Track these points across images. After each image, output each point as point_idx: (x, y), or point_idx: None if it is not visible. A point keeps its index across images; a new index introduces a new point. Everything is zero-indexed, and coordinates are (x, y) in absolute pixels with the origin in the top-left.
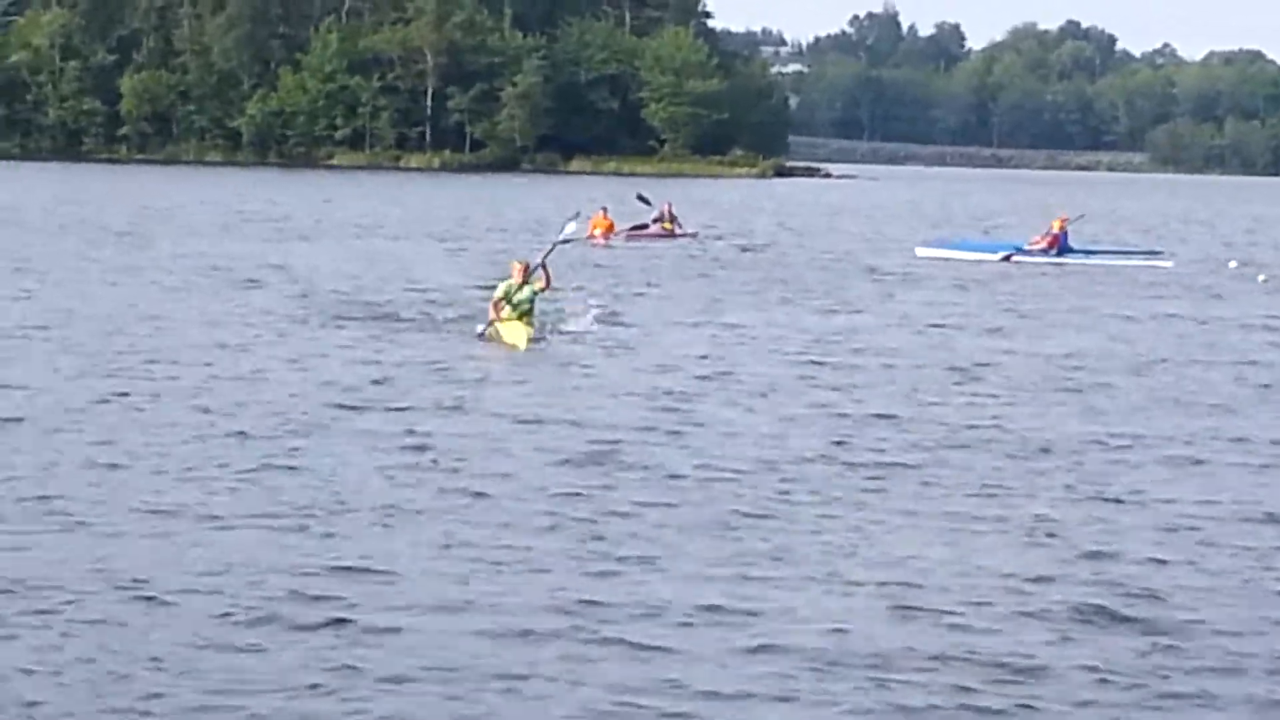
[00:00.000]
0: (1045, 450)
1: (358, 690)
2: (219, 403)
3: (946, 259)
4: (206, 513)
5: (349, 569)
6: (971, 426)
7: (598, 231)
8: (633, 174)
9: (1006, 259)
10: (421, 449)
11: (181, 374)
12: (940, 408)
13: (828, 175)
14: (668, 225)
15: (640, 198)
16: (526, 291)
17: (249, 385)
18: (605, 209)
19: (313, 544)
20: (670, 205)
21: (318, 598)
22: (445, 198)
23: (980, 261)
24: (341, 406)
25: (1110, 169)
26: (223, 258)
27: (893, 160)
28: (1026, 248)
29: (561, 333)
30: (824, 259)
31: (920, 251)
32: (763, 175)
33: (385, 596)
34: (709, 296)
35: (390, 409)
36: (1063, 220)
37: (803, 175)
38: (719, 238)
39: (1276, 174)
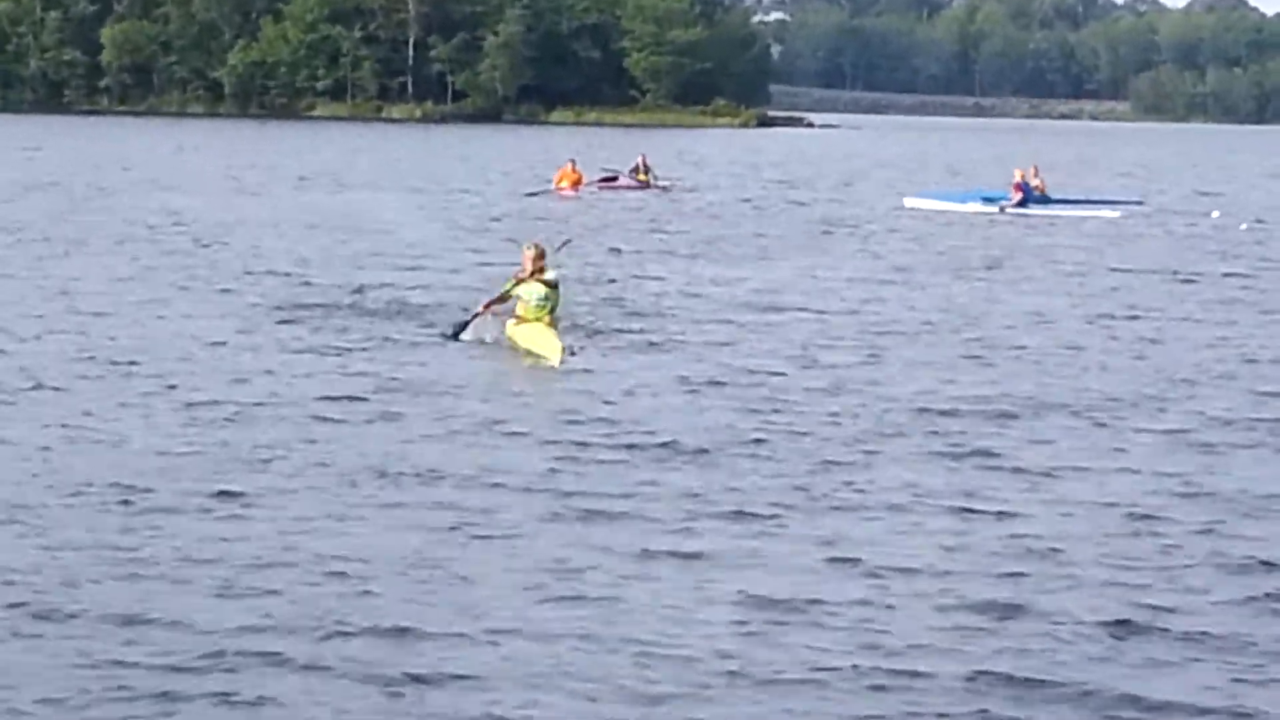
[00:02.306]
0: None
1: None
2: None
3: (934, 210)
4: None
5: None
6: (923, 392)
7: (565, 184)
8: (615, 124)
9: (1002, 210)
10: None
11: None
12: (894, 369)
13: (810, 125)
14: (643, 176)
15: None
16: (543, 287)
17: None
18: (573, 161)
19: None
20: (645, 156)
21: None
22: (416, 149)
23: (967, 212)
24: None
25: (1093, 117)
26: (173, 216)
27: (875, 109)
28: (1013, 201)
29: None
30: (807, 210)
31: (908, 202)
32: (745, 125)
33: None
34: (681, 250)
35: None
36: (1022, 172)
37: (785, 125)
38: (687, 187)
39: (1259, 122)
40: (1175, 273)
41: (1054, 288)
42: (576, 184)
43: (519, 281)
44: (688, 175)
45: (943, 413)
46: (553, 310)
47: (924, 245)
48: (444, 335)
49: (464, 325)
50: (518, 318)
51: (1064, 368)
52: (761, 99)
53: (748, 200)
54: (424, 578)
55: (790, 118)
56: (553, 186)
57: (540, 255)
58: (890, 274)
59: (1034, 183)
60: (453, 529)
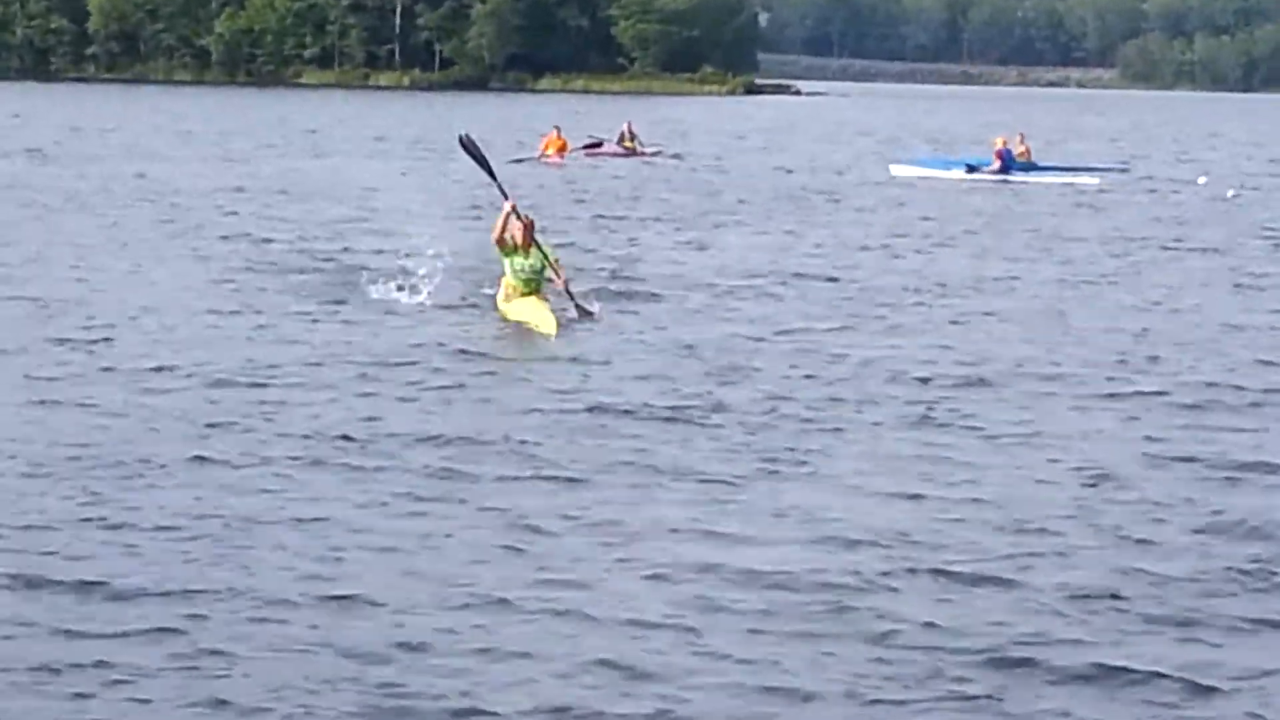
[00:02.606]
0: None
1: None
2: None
3: (919, 177)
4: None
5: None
6: (898, 356)
7: (550, 150)
8: (603, 91)
9: (973, 170)
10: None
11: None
12: (878, 334)
13: (798, 93)
14: (629, 144)
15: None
16: (534, 257)
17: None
18: (558, 128)
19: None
20: (630, 124)
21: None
22: (403, 116)
23: (952, 179)
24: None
25: (1080, 85)
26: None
27: (863, 77)
28: (991, 168)
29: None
30: (792, 178)
31: (894, 170)
32: (732, 93)
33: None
34: (665, 218)
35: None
36: (1004, 140)
37: (772, 93)
38: (670, 155)
39: (1247, 90)
40: (1158, 239)
41: (1035, 255)
42: (562, 151)
43: (507, 250)
44: (673, 143)
45: (919, 379)
46: (540, 286)
47: (909, 213)
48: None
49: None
50: (507, 293)
51: (1042, 335)
52: (749, 67)
53: (732, 168)
54: (388, 545)
55: (778, 85)
56: (538, 154)
57: (531, 227)
58: (872, 241)
59: (1019, 150)
60: (420, 496)
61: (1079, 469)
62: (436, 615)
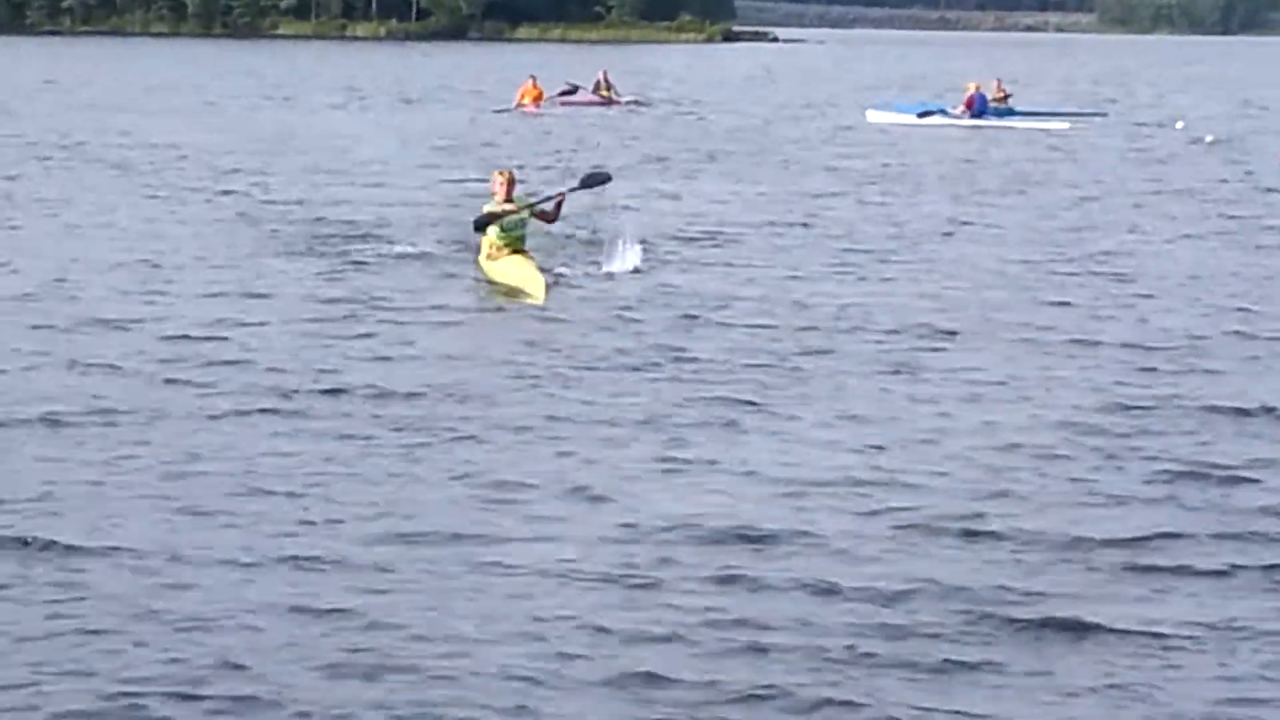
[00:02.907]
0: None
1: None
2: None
3: (895, 123)
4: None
5: None
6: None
7: (527, 100)
8: (580, 40)
9: (944, 113)
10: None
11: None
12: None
13: (775, 40)
14: (605, 92)
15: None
16: (518, 218)
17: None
18: (534, 77)
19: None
20: (606, 72)
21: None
22: (380, 67)
23: (927, 125)
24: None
25: (1059, 30)
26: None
27: (841, 24)
28: (951, 112)
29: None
30: (767, 125)
31: (871, 115)
32: (710, 41)
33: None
34: (639, 166)
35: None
36: (976, 84)
37: (750, 40)
38: (644, 103)
39: (1225, 33)
40: (1135, 184)
41: (1009, 201)
42: (538, 100)
43: (495, 211)
44: (649, 91)
45: (886, 329)
46: (524, 241)
47: (882, 159)
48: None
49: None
50: (490, 251)
51: (1011, 282)
52: (727, 14)
53: (708, 115)
54: (360, 498)
55: (756, 33)
56: (514, 104)
57: (511, 182)
58: (845, 188)
59: (996, 95)
60: (388, 452)
61: (1046, 418)
62: (403, 572)
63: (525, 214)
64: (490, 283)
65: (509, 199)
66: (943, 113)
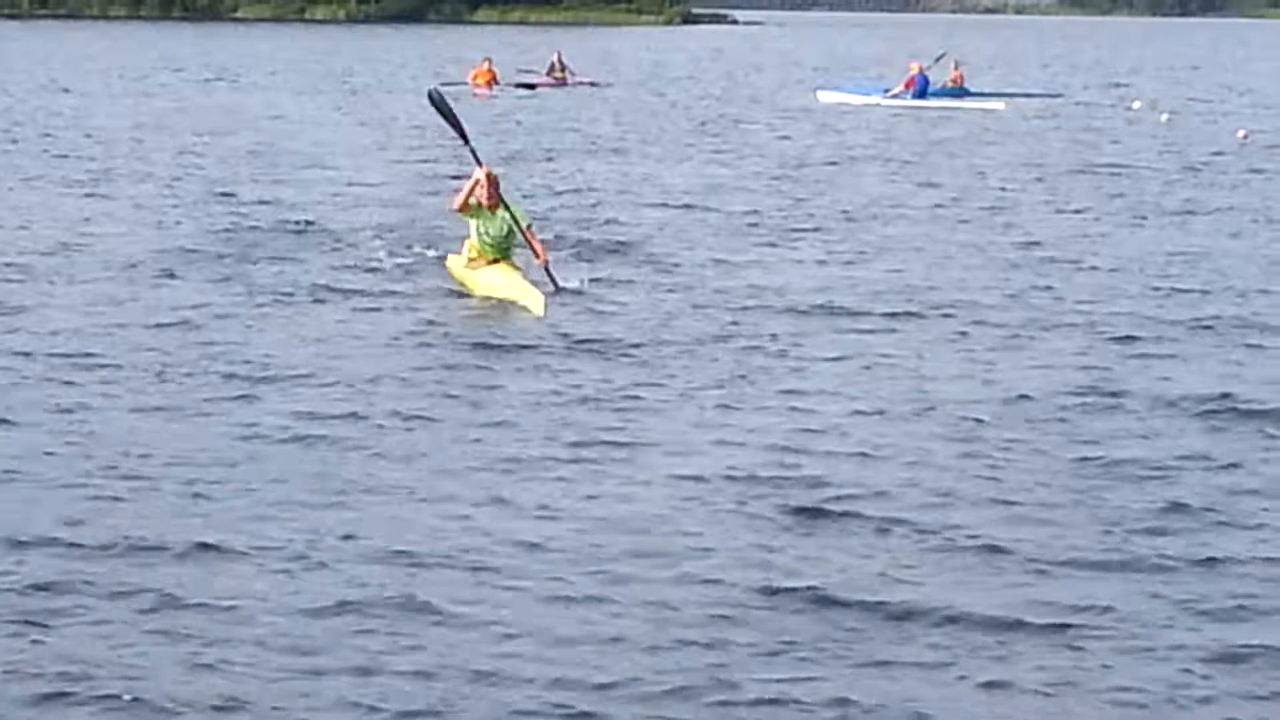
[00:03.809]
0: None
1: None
2: None
3: (845, 104)
4: None
5: None
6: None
7: (479, 82)
8: (539, 22)
9: (889, 94)
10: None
11: None
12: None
13: (734, 22)
14: (559, 74)
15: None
16: (501, 217)
17: None
18: (489, 59)
19: None
20: (561, 53)
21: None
22: (335, 49)
23: (878, 105)
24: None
25: (1017, 11)
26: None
27: (800, 6)
28: (892, 92)
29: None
30: (719, 106)
31: (821, 96)
32: (669, 23)
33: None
34: (591, 148)
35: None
36: (919, 65)
37: (709, 22)
38: (598, 84)
39: (1183, 14)
40: (1089, 164)
41: (957, 182)
42: (490, 82)
43: (471, 211)
44: (605, 73)
45: (807, 310)
46: (510, 250)
47: (831, 138)
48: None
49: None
50: (471, 258)
51: (942, 264)
52: None
53: (661, 97)
54: (315, 485)
55: (714, 15)
56: (469, 81)
57: (495, 183)
58: (792, 170)
59: (952, 75)
60: (346, 439)
61: (961, 403)
62: (366, 569)
63: (507, 214)
64: (472, 294)
65: (496, 203)
66: (885, 93)
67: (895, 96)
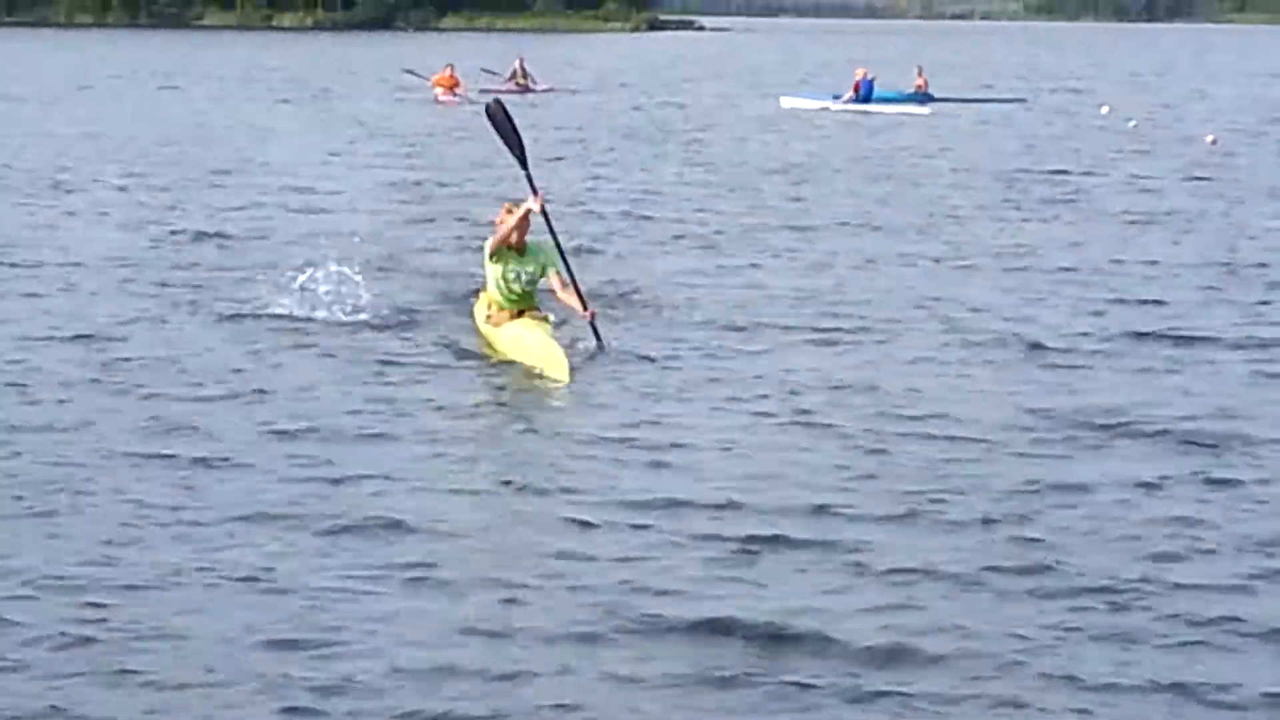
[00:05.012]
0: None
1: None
2: None
3: (808, 109)
4: None
5: None
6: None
7: (439, 90)
8: (505, 30)
9: (836, 98)
10: None
11: None
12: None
13: (701, 28)
14: (521, 80)
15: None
16: (528, 265)
17: None
18: (452, 66)
19: None
20: (523, 60)
21: None
22: (300, 57)
23: (840, 111)
24: None
25: (984, 17)
26: None
27: (766, 12)
28: (845, 98)
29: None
30: (682, 112)
31: (785, 102)
32: (635, 29)
33: None
34: (551, 154)
35: None
36: (864, 71)
37: (676, 29)
38: (562, 91)
39: (1150, 20)
40: (1053, 170)
41: (895, 190)
42: (452, 89)
43: (494, 253)
44: (569, 80)
45: (753, 325)
46: (534, 296)
47: (780, 146)
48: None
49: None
50: (492, 309)
51: (881, 275)
52: (652, 3)
53: (622, 103)
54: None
55: (681, 21)
56: (430, 82)
57: (526, 220)
58: (738, 177)
59: (917, 82)
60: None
61: (873, 419)
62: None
63: (539, 260)
64: (492, 353)
65: (523, 243)
66: (835, 99)
67: (849, 102)
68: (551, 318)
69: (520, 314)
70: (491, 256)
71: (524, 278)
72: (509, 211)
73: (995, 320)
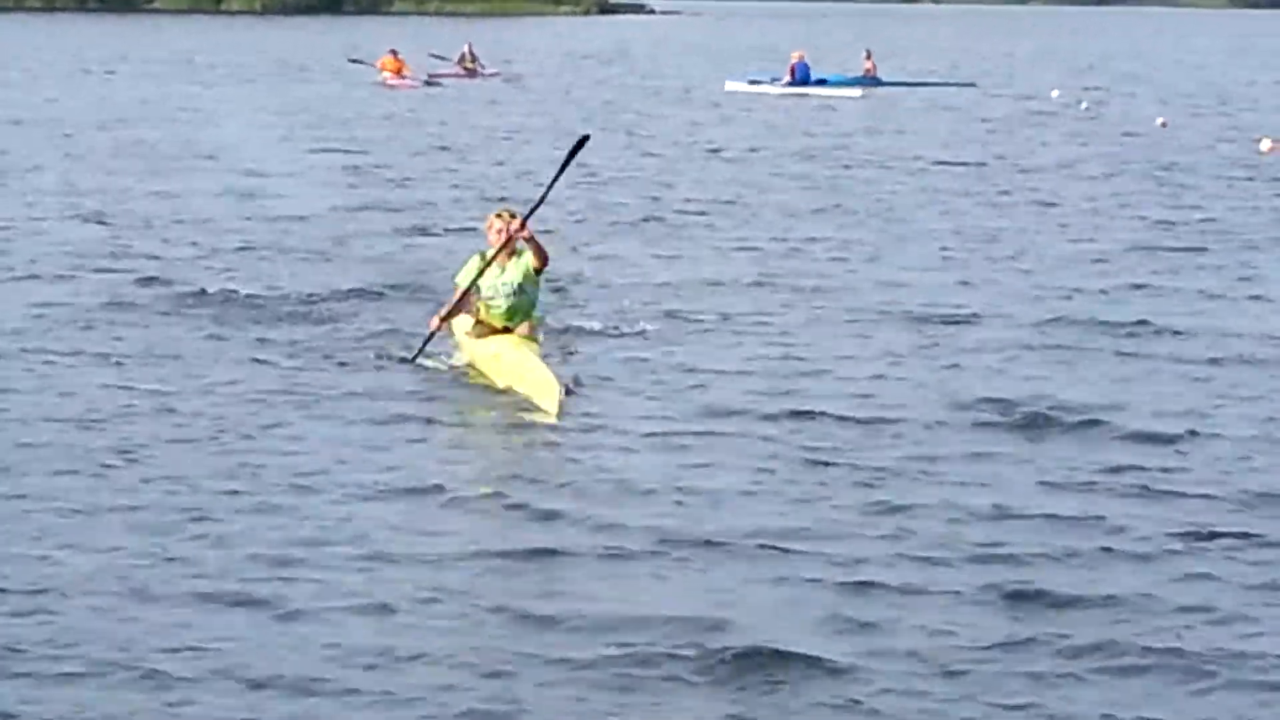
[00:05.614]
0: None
1: None
2: None
3: (750, 93)
4: None
5: None
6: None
7: (385, 75)
8: (456, 13)
9: (798, 85)
10: None
11: None
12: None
13: (652, 11)
14: (469, 65)
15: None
16: (516, 272)
17: None
18: (395, 50)
19: None
20: (471, 45)
21: None
22: (250, 41)
23: (781, 94)
24: None
25: (935, 1)
26: None
27: None
28: (783, 81)
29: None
30: (624, 95)
31: (728, 86)
32: (586, 13)
33: None
34: (499, 138)
35: None
36: (800, 54)
37: (627, 12)
38: (508, 76)
39: (1101, 3)
40: (1004, 153)
41: (867, 173)
42: (398, 72)
43: (484, 266)
44: (515, 63)
45: (689, 312)
46: (528, 311)
47: (733, 128)
48: (403, 359)
49: (420, 349)
50: (478, 322)
51: (848, 257)
52: None
53: (567, 88)
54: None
55: (632, 4)
56: (377, 67)
57: (509, 227)
58: (685, 160)
59: (865, 66)
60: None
61: (807, 413)
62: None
63: (521, 268)
64: (476, 374)
65: (509, 249)
66: (773, 81)
67: (786, 85)
68: (541, 338)
69: (506, 330)
70: (484, 266)
71: (507, 291)
72: (500, 219)
73: (930, 305)
